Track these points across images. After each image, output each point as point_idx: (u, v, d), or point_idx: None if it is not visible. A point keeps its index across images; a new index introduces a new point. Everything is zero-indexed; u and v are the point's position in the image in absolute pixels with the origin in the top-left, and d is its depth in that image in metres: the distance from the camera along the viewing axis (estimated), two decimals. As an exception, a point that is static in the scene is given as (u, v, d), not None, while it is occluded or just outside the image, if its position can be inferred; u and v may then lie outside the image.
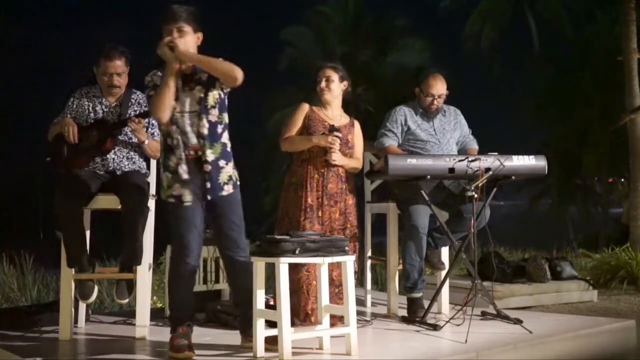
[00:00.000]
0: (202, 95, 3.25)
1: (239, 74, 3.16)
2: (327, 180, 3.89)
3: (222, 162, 3.29)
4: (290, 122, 3.98)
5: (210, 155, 3.25)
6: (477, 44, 22.31)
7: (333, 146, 3.84)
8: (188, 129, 3.24)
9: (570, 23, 20.90)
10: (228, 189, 3.31)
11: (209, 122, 3.25)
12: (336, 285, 3.73)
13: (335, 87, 3.98)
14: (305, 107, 4.00)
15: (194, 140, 3.24)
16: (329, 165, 3.88)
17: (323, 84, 3.97)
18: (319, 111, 4.00)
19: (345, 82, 4.03)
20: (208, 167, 3.25)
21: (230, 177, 3.32)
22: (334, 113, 4.02)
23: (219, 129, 3.29)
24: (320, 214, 3.84)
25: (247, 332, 3.32)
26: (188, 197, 3.23)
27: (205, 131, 3.24)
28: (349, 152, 3.97)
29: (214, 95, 3.27)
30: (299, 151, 3.92)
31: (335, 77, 3.98)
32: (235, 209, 3.35)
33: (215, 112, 3.27)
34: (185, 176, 3.22)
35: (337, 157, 3.87)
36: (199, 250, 3.32)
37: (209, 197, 3.27)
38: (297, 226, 3.75)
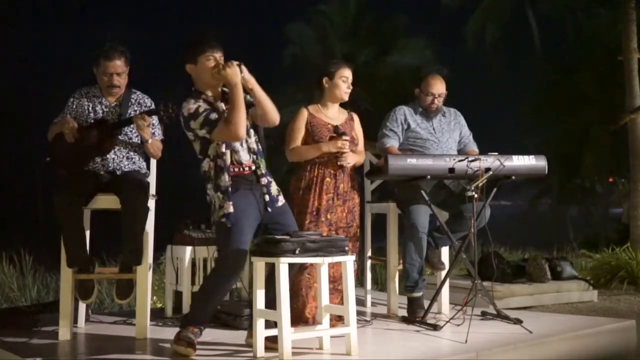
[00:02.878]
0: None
1: (278, 118, 3.34)
2: (340, 181, 3.87)
3: (269, 177, 3.42)
4: (293, 131, 3.89)
5: (263, 169, 3.38)
6: (479, 44, 22.29)
7: (344, 150, 3.81)
8: (239, 147, 3.33)
9: (571, 22, 20.88)
10: (282, 200, 3.44)
11: (254, 140, 3.39)
12: (331, 281, 3.71)
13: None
14: (305, 113, 3.91)
15: (246, 157, 3.36)
16: (340, 166, 3.86)
17: (349, 87, 3.92)
18: (318, 113, 3.93)
19: None
20: (265, 180, 3.37)
21: (278, 191, 3.44)
22: (334, 111, 3.98)
23: (260, 146, 3.42)
24: (329, 216, 3.82)
25: None
26: (241, 216, 3.26)
27: (255, 147, 3.38)
28: (355, 148, 3.94)
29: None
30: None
31: (351, 78, 3.96)
32: (291, 216, 3.48)
33: (254, 131, 3.41)
34: (241, 198, 3.28)
35: (350, 160, 3.86)
36: (243, 268, 3.38)
37: (269, 210, 3.35)
38: (302, 230, 3.71)
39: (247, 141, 3.36)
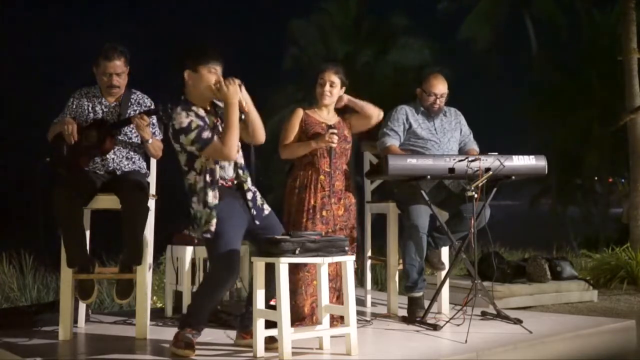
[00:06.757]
0: None
1: (264, 137, 3.37)
2: (334, 178, 3.89)
3: (254, 188, 3.43)
4: (287, 129, 3.96)
5: (249, 183, 3.39)
6: (476, 45, 22.32)
7: (332, 143, 3.84)
8: (226, 163, 3.33)
9: (569, 23, 20.91)
10: (267, 208, 3.45)
11: (240, 154, 3.38)
12: (330, 280, 3.70)
13: (336, 93, 3.98)
14: (300, 112, 3.98)
15: (231, 172, 3.36)
16: (334, 165, 3.88)
17: (327, 88, 3.95)
18: (314, 113, 3.99)
19: (344, 87, 4.03)
20: (250, 195, 3.38)
21: (262, 200, 3.45)
22: (329, 114, 4.03)
23: (246, 160, 3.43)
24: (324, 214, 3.84)
25: (247, 329, 3.35)
26: (226, 225, 3.26)
27: (242, 161, 3.39)
28: (348, 147, 3.99)
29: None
30: (300, 156, 3.92)
31: (337, 82, 3.97)
32: (276, 219, 3.49)
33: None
34: (225, 208, 3.26)
35: (337, 139, 3.87)
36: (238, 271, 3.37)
37: (257, 223, 3.36)
38: (300, 228, 3.75)
39: None
